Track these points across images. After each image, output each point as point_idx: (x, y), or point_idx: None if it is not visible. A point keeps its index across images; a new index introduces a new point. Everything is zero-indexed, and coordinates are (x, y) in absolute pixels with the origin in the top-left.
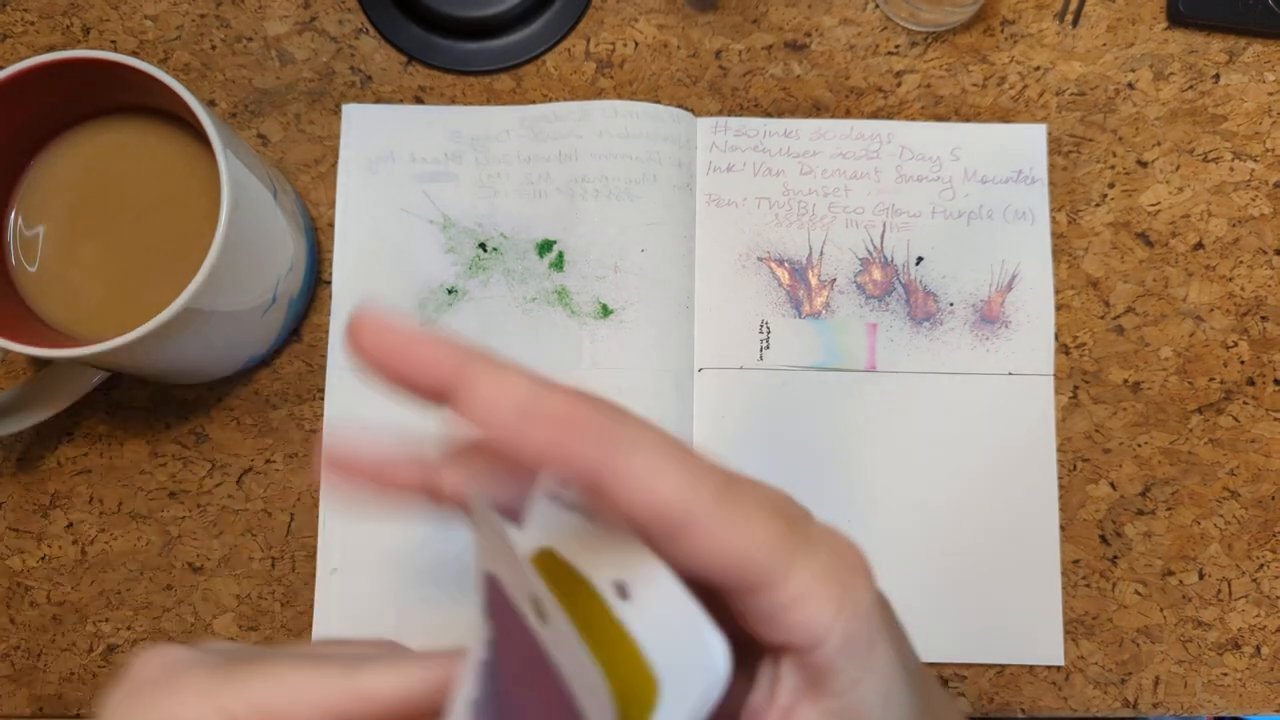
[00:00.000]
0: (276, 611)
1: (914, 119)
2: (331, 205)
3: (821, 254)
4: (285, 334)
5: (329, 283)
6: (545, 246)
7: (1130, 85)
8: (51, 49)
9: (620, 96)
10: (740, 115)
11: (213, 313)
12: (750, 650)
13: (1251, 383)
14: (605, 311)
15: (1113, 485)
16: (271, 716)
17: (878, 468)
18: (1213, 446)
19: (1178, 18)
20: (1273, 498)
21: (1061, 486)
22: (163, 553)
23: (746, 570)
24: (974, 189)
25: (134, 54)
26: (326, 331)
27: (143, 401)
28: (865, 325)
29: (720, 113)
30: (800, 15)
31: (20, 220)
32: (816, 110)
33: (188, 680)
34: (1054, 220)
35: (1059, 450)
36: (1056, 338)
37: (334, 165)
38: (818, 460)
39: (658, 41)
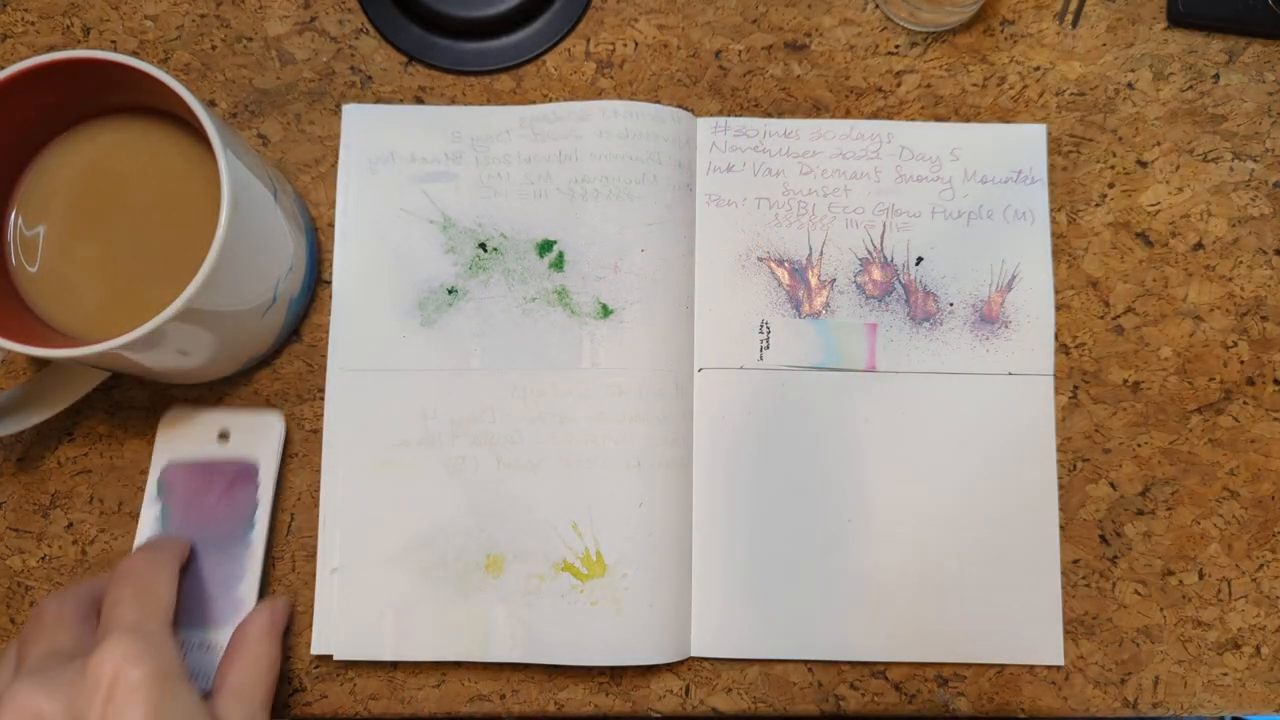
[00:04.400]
0: None
1: (914, 119)
2: (331, 205)
3: (821, 254)
4: (285, 334)
5: (329, 283)
6: (545, 246)
7: (1130, 85)
8: (51, 49)
9: (620, 96)
10: (740, 115)
11: (213, 313)
12: None
13: (1251, 383)
14: (605, 311)
15: (1113, 485)
16: None
17: (878, 468)
18: (1213, 446)
19: (1178, 18)
20: (1273, 498)
21: (1061, 486)
22: None
23: None
24: (974, 189)
25: (134, 54)
26: (326, 331)
27: (143, 401)
28: (865, 325)
29: (720, 113)
30: (800, 15)
31: (20, 220)
32: (816, 110)
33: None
34: (1054, 220)
35: (1059, 450)
36: (1056, 338)
37: (334, 165)
38: (818, 460)
39: (658, 41)
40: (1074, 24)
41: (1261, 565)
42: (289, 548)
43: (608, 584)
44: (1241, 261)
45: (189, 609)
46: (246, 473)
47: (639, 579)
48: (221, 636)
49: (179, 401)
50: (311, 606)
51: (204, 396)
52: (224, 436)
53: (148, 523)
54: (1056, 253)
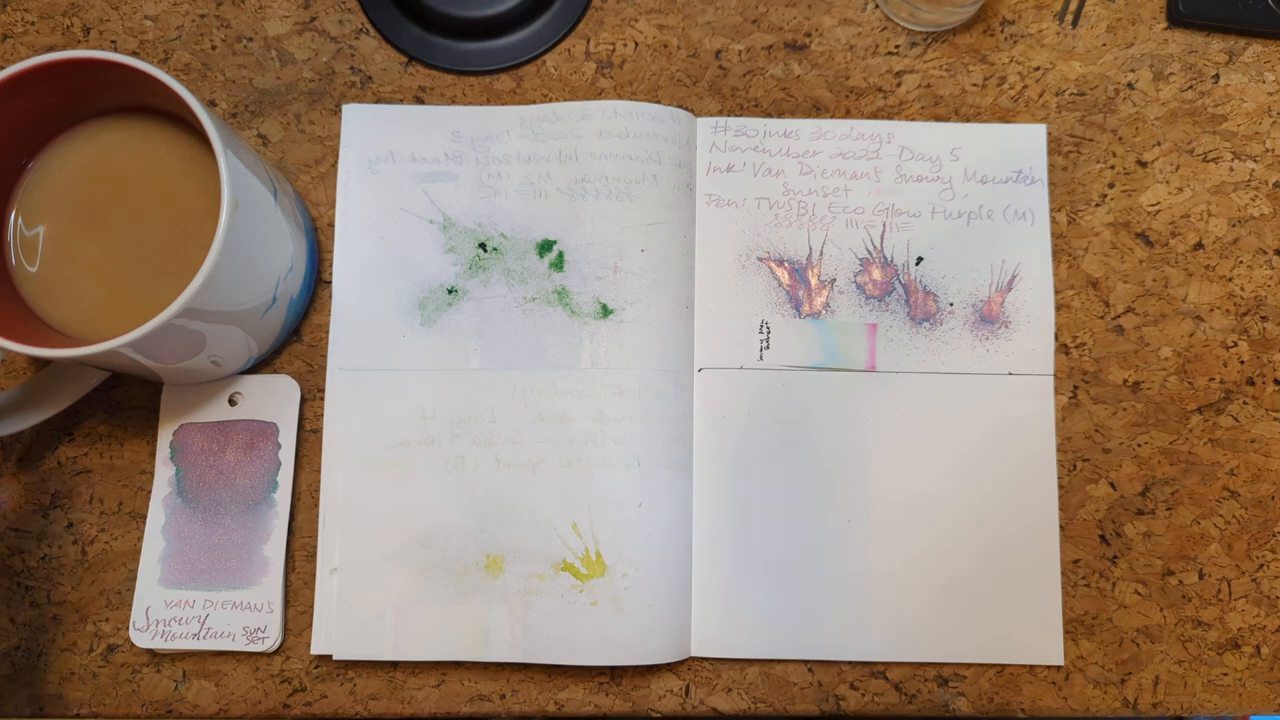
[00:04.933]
0: None
1: (914, 119)
2: (331, 205)
3: (821, 254)
4: (286, 334)
5: (329, 283)
6: (545, 246)
7: (1130, 85)
8: (51, 49)
9: (620, 96)
10: (740, 115)
11: (213, 313)
12: None
13: (1251, 383)
14: (605, 311)
15: (1113, 485)
16: None
17: (877, 468)
18: (1213, 446)
19: (1178, 18)
20: (1273, 498)
21: (1061, 486)
22: None
23: None
24: (974, 189)
25: (134, 54)
26: (326, 331)
27: (143, 401)
28: (865, 325)
29: (720, 113)
30: (800, 15)
31: (20, 220)
32: (816, 110)
33: None
34: (1054, 220)
35: (1059, 450)
36: (1056, 338)
37: (334, 165)
38: (817, 460)
39: (658, 41)
40: (1074, 24)
41: (1261, 565)
42: (289, 548)
43: (608, 584)
44: (1241, 261)
45: (213, 570)
46: (265, 432)
47: (639, 579)
48: (248, 596)
49: None
50: (311, 606)
51: None
52: (233, 402)
53: (161, 485)
54: (1056, 253)
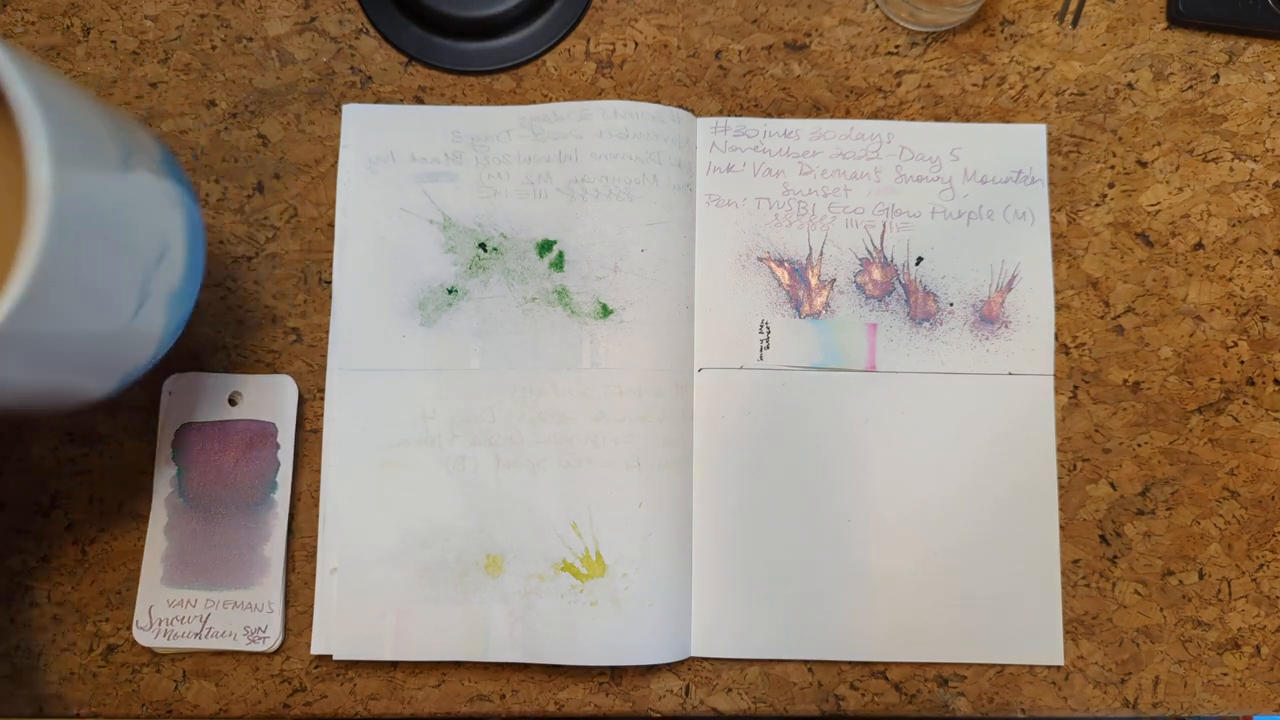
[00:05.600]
0: None
1: (914, 119)
2: (331, 205)
3: (821, 254)
4: (174, 335)
5: (329, 283)
6: (545, 246)
7: (1130, 85)
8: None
9: (620, 96)
10: (740, 115)
11: (46, 334)
12: None
13: (1251, 383)
14: (605, 311)
15: (1113, 485)
16: None
17: (877, 468)
18: (1213, 446)
19: (1178, 18)
20: (1273, 498)
21: (1061, 486)
22: None
23: None
24: (974, 189)
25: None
26: (326, 331)
27: (143, 401)
28: (865, 325)
29: (720, 113)
30: (800, 15)
31: None
32: (816, 110)
33: None
34: (1054, 220)
35: (1059, 450)
36: (1056, 338)
37: (334, 165)
38: (817, 460)
39: (658, 41)
40: (1074, 24)
41: (1261, 565)
42: (289, 548)
43: (607, 584)
44: (1241, 261)
45: (215, 569)
46: (264, 432)
47: (639, 579)
48: (249, 596)
49: (178, 370)
50: (311, 606)
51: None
52: (233, 402)
53: (163, 485)
54: (1056, 253)
